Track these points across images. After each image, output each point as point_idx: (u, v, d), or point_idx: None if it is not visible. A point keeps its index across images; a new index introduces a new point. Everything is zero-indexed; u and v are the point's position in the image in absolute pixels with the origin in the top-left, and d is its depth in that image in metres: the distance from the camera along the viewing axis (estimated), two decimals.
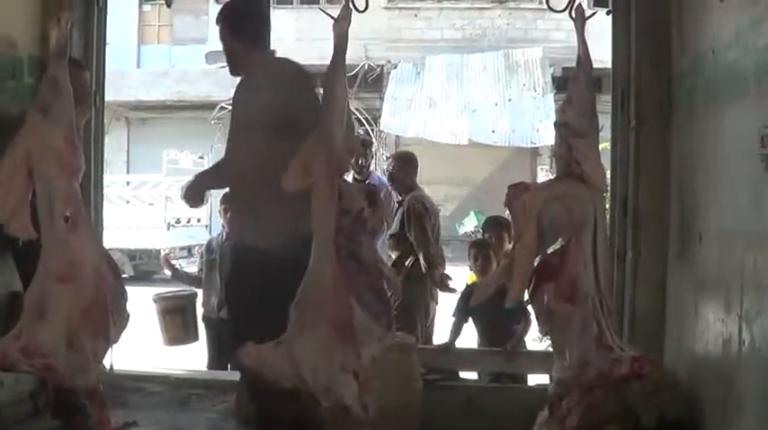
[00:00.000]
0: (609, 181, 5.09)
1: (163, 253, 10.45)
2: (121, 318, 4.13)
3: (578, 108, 3.99)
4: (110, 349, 4.10)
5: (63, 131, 3.91)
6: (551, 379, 4.19)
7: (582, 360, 3.76)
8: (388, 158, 9.12)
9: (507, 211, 4.17)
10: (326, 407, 4.30)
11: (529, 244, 3.82)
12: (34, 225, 3.92)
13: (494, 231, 6.62)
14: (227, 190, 5.77)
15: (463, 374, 6.28)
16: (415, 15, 22.79)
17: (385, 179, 7.88)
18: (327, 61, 4.05)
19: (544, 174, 19.83)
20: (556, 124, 4.08)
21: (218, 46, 4.89)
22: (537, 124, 19.12)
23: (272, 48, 5.04)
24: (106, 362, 4.12)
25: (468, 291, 6.50)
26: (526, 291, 4.09)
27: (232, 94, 4.79)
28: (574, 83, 4.06)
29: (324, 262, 3.81)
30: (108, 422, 4.10)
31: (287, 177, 3.90)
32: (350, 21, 4.12)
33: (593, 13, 4.73)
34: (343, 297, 3.80)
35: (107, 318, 4.00)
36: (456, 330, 6.36)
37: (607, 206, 6.12)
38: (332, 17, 4.16)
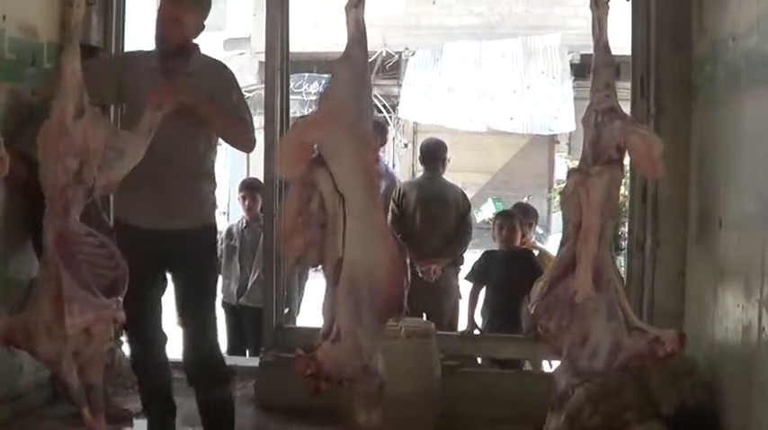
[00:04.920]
0: (628, 168, 5.04)
1: None
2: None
3: (614, 92, 3.85)
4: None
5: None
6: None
7: (613, 346, 3.65)
8: (405, 145, 9.03)
9: (559, 199, 3.91)
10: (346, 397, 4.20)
11: (598, 232, 3.62)
12: None
13: (506, 222, 6.62)
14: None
15: None
16: (433, 2, 22.62)
17: (392, 168, 7.80)
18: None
19: (562, 162, 19.73)
20: (600, 110, 3.82)
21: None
22: (555, 111, 19.01)
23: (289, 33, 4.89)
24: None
25: (486, 257, 6.63)
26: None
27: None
28: (607, 67, 3.89)
29: (380, 244, 3.56)
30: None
31: (282, 163, 3.62)
32: (364, 3, 3.71)
33: None
34: (400, 275, 3.61)
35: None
36: (473, 298, 6.49)
37: (626, 193, 6.11)
38: None
